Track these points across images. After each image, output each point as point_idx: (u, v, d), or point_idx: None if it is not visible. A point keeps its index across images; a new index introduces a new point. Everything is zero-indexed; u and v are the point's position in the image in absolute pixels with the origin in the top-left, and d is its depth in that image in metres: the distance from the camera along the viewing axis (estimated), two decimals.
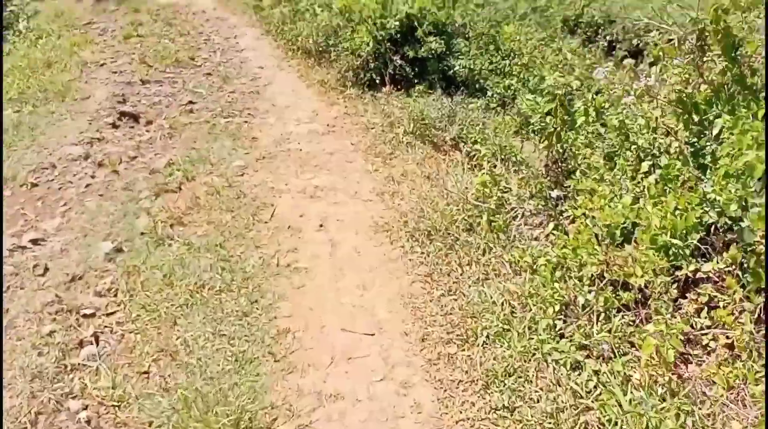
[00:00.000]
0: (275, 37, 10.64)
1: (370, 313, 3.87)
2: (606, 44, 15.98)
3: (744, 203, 3.27)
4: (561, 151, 4.50)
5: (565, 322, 3.43)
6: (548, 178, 4.51)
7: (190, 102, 7.98)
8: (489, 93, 8.58)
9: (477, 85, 8.70)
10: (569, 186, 4.28)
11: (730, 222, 3.31)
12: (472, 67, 8.64)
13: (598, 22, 15.88)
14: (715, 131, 3.69)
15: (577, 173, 4.27)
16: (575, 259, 3.58)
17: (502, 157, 5.35)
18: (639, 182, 4.04)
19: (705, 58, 3.77)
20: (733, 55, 3.64)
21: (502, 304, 3.64)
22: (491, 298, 3.71)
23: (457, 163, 6.33)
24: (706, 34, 3.70)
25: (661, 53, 3.93)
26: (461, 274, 4.07)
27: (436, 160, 6.27)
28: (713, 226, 3.44)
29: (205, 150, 6.41)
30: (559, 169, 4.54)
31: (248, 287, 4.12)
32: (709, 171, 3.77)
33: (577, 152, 4.44)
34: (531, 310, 3.51)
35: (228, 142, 6.60)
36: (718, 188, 3.37)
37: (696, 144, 3.93)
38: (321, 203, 5.37)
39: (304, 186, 5.68)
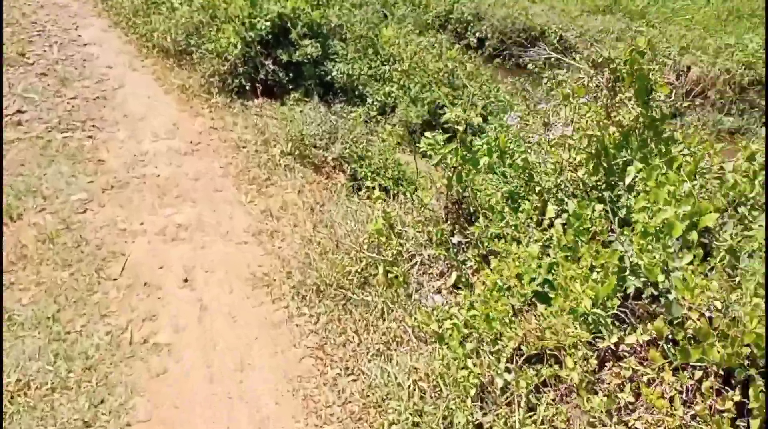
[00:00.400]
0: (126, 30, 9.28)
1: (253, 406, 3.17)
2: (476, 41, 16.25)
3: (666, 267, 3.00)
4: (461, 190, 4.06)
5: (482, 408, 2.98)
6: (448, 221, 4.06)
7: (19, 111, 6.62)
8: (369, 100, 8.09)
9: (356, 92, 8.17)
10: (472, 233, 3.85)
11: (653, 290, 3.02)
12: (350, 72, 8.07)
13: (467, 19, 16.05)
14: (627, 180, 3.42)
15: (480, 220, 3.85)
16: (489, 331, 3.14)
17: (395, 192, 4.83)
18: (545, 229, 3.70)
19: (614, 100, 3.48)
20: (645, 98, 3.38)
21: (410, 387, 3.12)
22: (396, 378, 3.18)
23: (342, 187, 5.75)
24: (618, 74, 3.40)
25: (570, 92, 3.59)
26: (358, 345, 3.50)
27: (319, 187, 5.63)
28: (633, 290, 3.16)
29: (36, 177, 5.25)
30: (460, 212, 4.11)
31: (91, 380, 3.24)
32: (618, 221, 3.51)
33: (478, 192, 4.03)
34: (444, 394, 3.03)
35: (66, 167, 5.47)
36: (638, 249, 3.08)
37: (604, 191, 3.66)
38: (185, 247, 4.53)
39: (163, 225, 4.78)
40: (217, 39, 7.58)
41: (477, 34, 15.76)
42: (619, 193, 3.52)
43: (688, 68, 13.75)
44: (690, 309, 2.84)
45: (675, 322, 2.89)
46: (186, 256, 4.41)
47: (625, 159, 3.55)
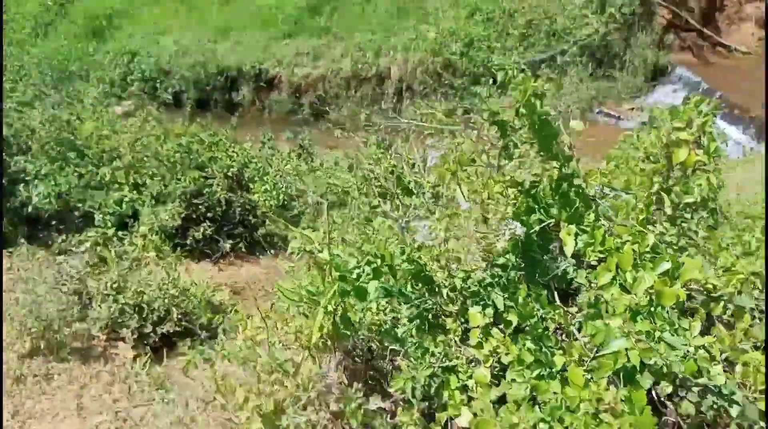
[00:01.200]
0: None
1: None
2: (171, 97, 14.74)
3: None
4: (350, 335, 2.87)
5: None
6: (353, 385, 2.83)
7: None
8: (98, 217, 6.18)
9: (76, 213, 6.19)
10: (400, 389, 2.70)
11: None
12: (56, 191, 6.05)
13: (153, 77, 14.50)
14: (568, 250, 2.64)
15: (402, 365, 2.72)
16: None
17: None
18: (480, 345, 2.75)
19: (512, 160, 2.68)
20: (552, 149, 2.63)
21: None
22: None
23: (136, 362, 4.04)
24: (511, 126, 2.59)
25: (457, 164, 2.67)
26: None
27: (102, 384, 3.81)
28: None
29: None
30: (357, 363, 2.91)
31: None
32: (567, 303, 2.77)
33: (373, 328, 2.89)
34: None
35: None
36: (654, 340, 2.32)
37: (528, 270, 2.86)
38: None
39: None
40: None
41: (169, 90, 14.12)
42: (559, 266, 2.74)
43: (389, 69, 14.27)
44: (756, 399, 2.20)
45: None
46: None
47: (543, 225, 2.78)
